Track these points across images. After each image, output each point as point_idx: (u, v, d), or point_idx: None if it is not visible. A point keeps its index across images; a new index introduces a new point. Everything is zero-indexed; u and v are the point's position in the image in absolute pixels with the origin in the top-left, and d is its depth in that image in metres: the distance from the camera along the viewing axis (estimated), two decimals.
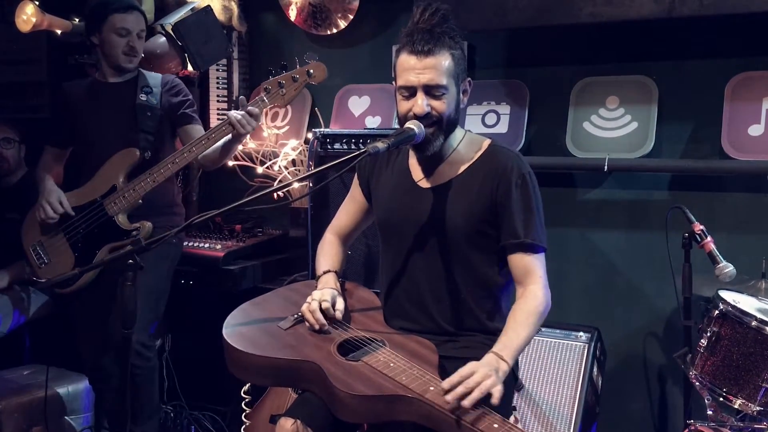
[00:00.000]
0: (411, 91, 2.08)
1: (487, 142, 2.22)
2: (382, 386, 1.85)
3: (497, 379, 1.82)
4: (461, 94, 2.15)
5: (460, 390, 1.76)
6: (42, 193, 2.96)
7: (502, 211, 2.12)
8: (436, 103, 2.08)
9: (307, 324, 2.15)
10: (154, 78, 3.08)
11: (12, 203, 3.55)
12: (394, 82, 2.18)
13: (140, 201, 2.88)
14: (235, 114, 2.77)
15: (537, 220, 2.12)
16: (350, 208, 2.45)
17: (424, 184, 2.22)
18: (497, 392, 1.78)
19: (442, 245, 2.17)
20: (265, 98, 2.80)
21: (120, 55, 2.96)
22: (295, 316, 2.20)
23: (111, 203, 2.88)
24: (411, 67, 2.07)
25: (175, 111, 3.06)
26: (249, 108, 2.78)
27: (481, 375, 1.79)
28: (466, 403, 1.74)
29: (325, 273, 2.34)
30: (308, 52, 2.80)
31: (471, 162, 2.19)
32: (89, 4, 3.05)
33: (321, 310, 2.15)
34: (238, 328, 2.16)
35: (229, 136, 2.85)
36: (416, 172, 2.25)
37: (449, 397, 1.75)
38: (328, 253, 2.41)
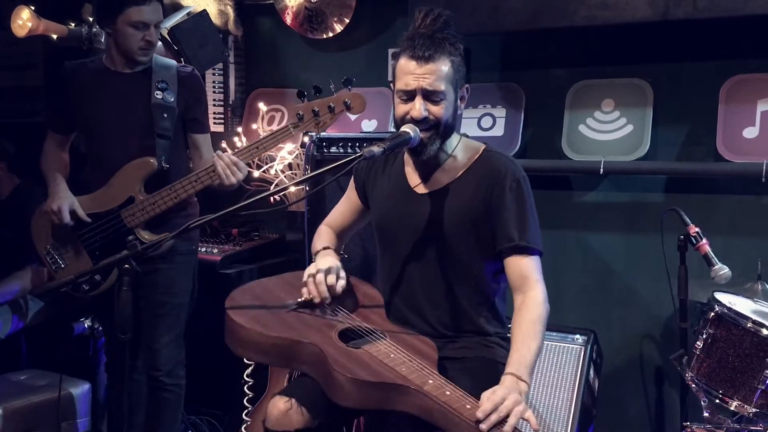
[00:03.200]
0: (409, 95, 2.09)
1: (482, 147, 2.23)
2: (381, 374, 1.86)
3: (526, 403, 1.80)
4: (459, 101, 2.16)
5: (494, 418, 1.72)
6: (52, 197, 2.78)
7: (497, 215, 2.12)
8: (433, 108, 2.09)
9: (304, 293, 2.15)
10: (168, 68, 2.85)
11: (2, 220, 3.53)
12: (392, 85, 2.18)
13: (157, 214, 2.75)
14: (221, 163, 2.66)
15: (531, 223, 2.12)
16: (345, 208, 2.46)
17: (420, 189, 2.22)
18: (532, 419, 1.76)
19: (439, 251, 2.18)
20: (296, 125, 2.63)
21: (135, 50, 2.75)
22: (300, 300, 2.21)
23: (130, 216, 2.75)
24: (410, 71, 2.07)
25: (190, 112, 2.88)
26: (236, 160, 2.68)
27: (512, 401, 1.76)
28: (507, 430, 1.71)
29: (324, 249, 2.34)
30: (347, 77, 2.55)
31: (466, 167, 2.19)
32: None
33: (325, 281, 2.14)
34: (242, 304, 2.17)
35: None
36: (412, 177, 2.25)
37: (484, 426, 1.70)
38: (323, 237, 2.42)
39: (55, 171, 2.88)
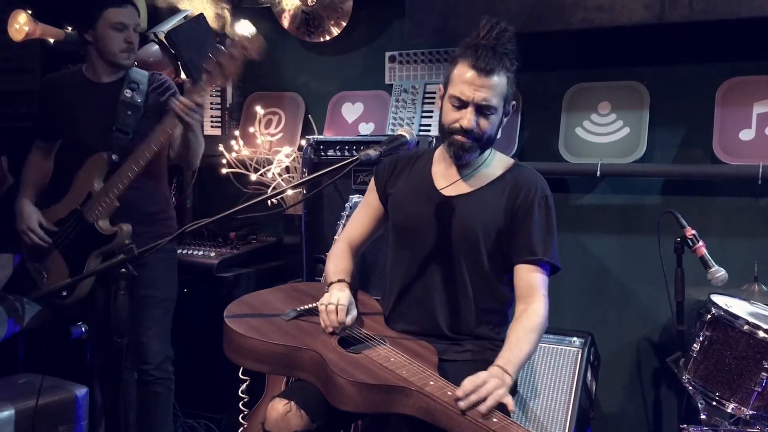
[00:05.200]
0: (462, 104, 2.12)
1: (511, 161, 2.29)
2: (382, 377, 1.87)
3: (506, 390, 1.86)
4: (504, 115, 2.20)
5: (473, 398, 1.78)
6: (17, 217, 2.93)
7: (522, 228, 2.16)
8: (482, 121, 2.13)
9: (321, 323, 2.15)
10: (141, 74, 2.96)
11: None
12: (440, 88, 2.21)
13: (117, 204, 2.80)
14: (177, 102, 2.70)
15: (554, 242, 2.18)
16: (364, 215, 2.44)
17: (447, 192, 2.24)
18: (510, 402, 1.83)
19: (458, 255, 2.20)
20: (209, 80, 2.70)
21: (117, 52, 2.84)
22: (298, 309, 2.22)
23: (88, 211, 2.83)
24: (469, 81, 2.10)
25: (163, 110, 2.90)
26: (192, 97, 2.70)
27: (493, 384, 1.83)
28: (483, 409, 1.77)
29: (338, 281, 2.30)
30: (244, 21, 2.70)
31: (495, 177, 2.23)
32: None
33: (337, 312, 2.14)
34: (240, 314, 2.18)
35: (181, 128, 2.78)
36: (439, 179, 2.27)
37: (462, 404, 1.77)
38: (338, 263, 2.37)
39: (27, 183, 3.01)
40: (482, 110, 2.11)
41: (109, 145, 2.83)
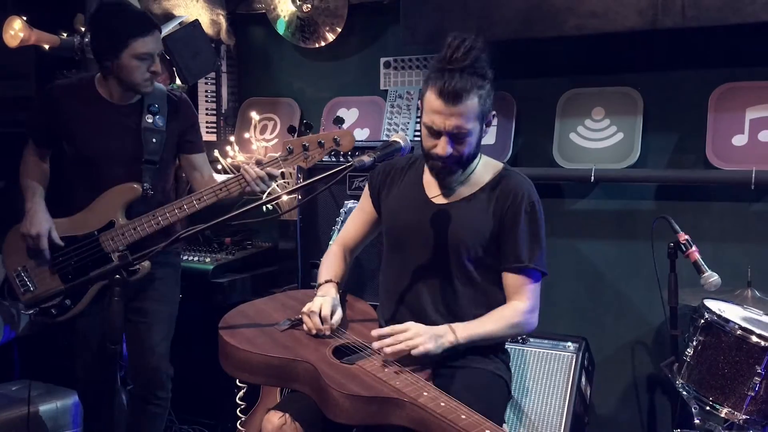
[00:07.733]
0: (435, 133, 2.10)
1: (500, 165, 2.29)
2: (375, 388, 1.87)
3: (433, 344, 2.00)
4: (484, 126, 2.16)
5: (388, 341, 1.96)
6: (29, 217, 2.73)
7: (509, 234, 2.18)
8: (458, 146, 2.12)
9: (304, 327, 2.18)
10: (159, 91, 2.81)
11: None
12: (419, 105, 2.19)
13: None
14: (252, 172, 2.59)
15: (541, 248, 2.20)
16: (358, 220, 2.47)
17: (437, 200, 2.25)
18: (420, 350, 1.96)
19: (449, 262, 2.21)
20: (286, 158, 2.60)
21: (141, 82, 2.68)
22: (292, 319, 2.23)
23: (108, 240, 2.70)
24: (438, 111, 2.06)
25: (182, 136, 2.86)
26: (268, 169, 2.61)
27: (412, 333, 1.99)
28: (388, 350, 1.96)
29: (326, 282, 2.34)
30: (338, 116, 2.58)
31: (484, 183, 2.24)
32: (99, 22, 2.71)
33: (320, 316, 2.17)
34: (235, 326, 2.19)
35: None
36: (430, 188, 2.28)
37: (376, 344, 1.97)
38: (330, 264, 2.42)
39: (35, 184, 2.84)
40: (456, 137, 2.09)
41: (137, 176, 2.73)
